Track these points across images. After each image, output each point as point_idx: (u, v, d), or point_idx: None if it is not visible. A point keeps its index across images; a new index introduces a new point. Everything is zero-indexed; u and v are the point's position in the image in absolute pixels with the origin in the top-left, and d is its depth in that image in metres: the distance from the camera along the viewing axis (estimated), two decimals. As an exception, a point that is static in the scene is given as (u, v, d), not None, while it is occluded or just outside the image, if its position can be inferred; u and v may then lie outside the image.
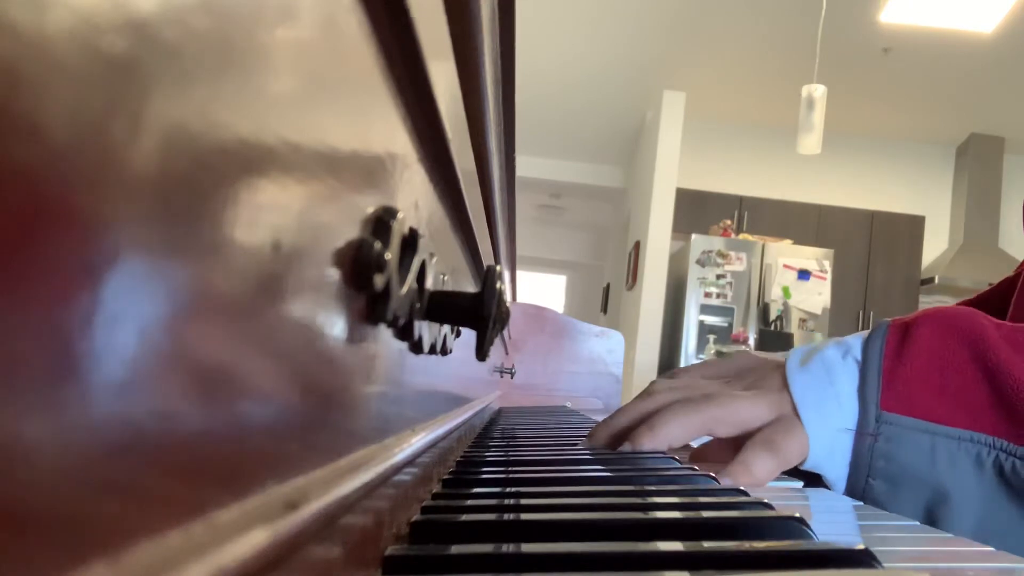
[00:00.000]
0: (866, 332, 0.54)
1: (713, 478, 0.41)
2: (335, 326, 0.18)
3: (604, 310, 6.90)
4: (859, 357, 0.52)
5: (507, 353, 1.54)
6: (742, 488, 0.37)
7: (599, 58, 4.66)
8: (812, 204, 5.34)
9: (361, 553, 0.21)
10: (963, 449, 0.48)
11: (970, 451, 0.48)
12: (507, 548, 0.25)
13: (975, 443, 0.48)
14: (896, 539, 0.34)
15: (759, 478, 0.48)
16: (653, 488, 0.37)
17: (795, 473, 0.54)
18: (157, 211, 0.10)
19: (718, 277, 4.71)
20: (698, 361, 4.89)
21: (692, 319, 4.70)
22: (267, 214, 0.13)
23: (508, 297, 0.53)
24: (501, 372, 1.35)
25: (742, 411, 0.52)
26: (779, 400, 0.52)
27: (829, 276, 4.73)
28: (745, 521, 0.28)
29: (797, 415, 0.51)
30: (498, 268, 0.32)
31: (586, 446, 0.56)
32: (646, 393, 0.58)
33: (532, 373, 1.75)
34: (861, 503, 0.44)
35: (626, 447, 0.52)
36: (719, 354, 3.81)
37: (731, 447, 0.52)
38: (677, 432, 0.52)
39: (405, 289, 0.23)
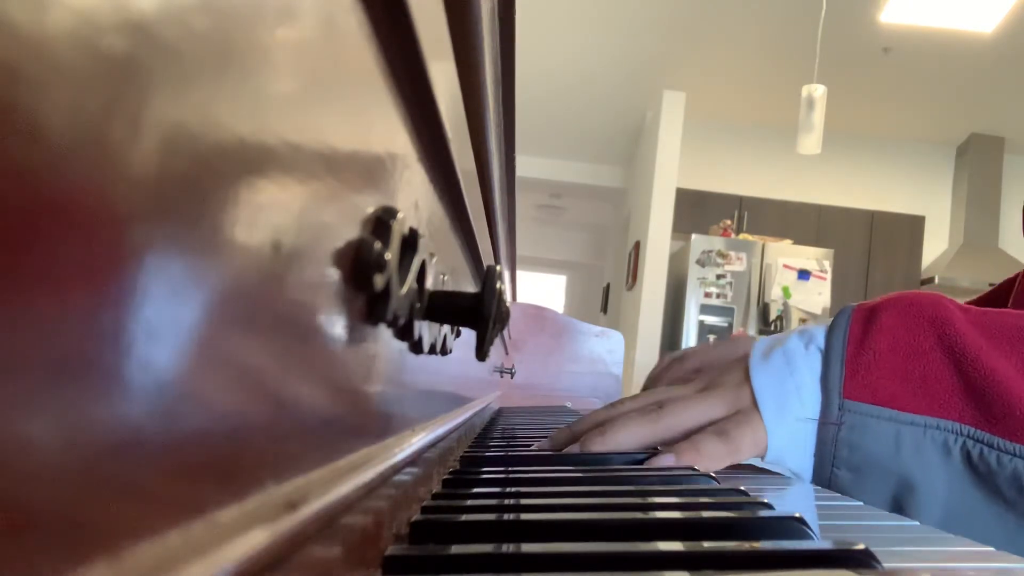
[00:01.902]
0: (829, 321, 0.53)
1: (713, 478, 0.41)
2: (335, 326, 0.18)
3: (604, 310, 6.90)
4: (822, 345, 0.51)
5: (507, 353, 1.54)
6: (742, 488, 0.37)
7: (599, 58, 4.66)
8: (812, 204, 5.34)
9: (361, 553, 0.21)
10: (929, 436, 0.47)
11: (936, 438, 0.47)
12: (507, 548, 0.25)
13: (942, 430, 0.47)
14: (896, 539, 0.34)
15: (707, 462, 0.48)
16: (653, 488, 0.37)
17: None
18: (157, 211, 0.10)
19: (718, 277, 4.71)
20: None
21: (692, 319, 4.70)
22: (267, 214, 0.13)
23: (508, 297, 0.53)
24: (501, 372, 1.35)
25: (695, 414, 0.51)
26: (736, 395, 0.51)
27: (829, 276, 4.73)
28: (745, 521, 0.28)
29: (756, 408, 0.50)
30: (498, 268, 0.32)
31: (545, 447, 0.55)
32: (612, 403, 0.58)
33: (532, 373, 1.75)
34: (860, 504, 0.44)
35: (574, 448, 0.52)
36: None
37: None
38: (626, 440, 0.51)
39: (405, 289, 0.23)
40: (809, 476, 0.51)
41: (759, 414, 0.50)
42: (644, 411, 0.52)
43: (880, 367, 0.49)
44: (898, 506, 0.48)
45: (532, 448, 0.56)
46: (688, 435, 0.50)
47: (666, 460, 0.47)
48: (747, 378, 0.52)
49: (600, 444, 0.51)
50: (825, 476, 0.50)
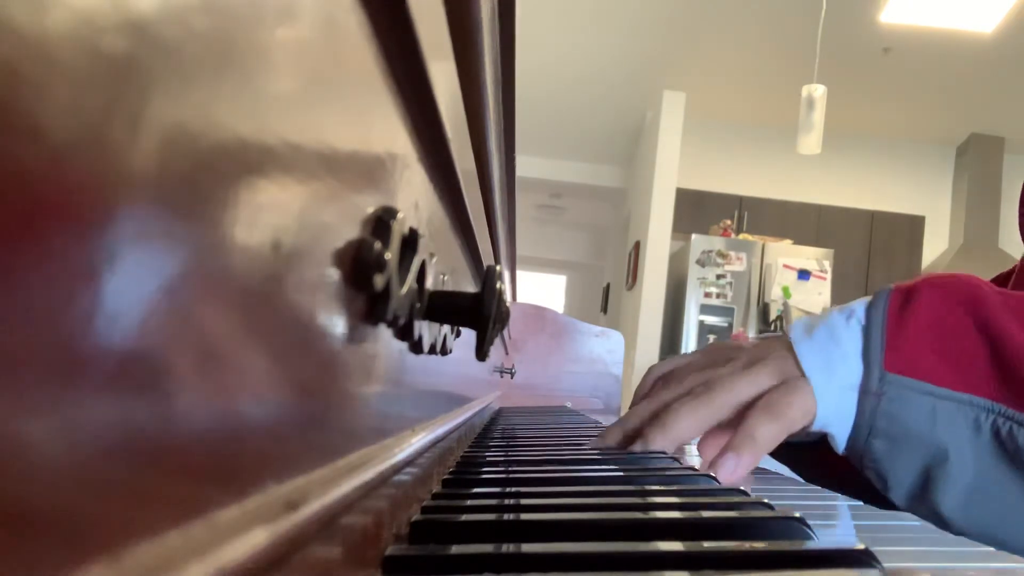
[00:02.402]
0: (869, 297, 0.54)
1: (713, 478, 0.41)
2: (335, 326, 0.18)
3: (604, 310, 6.90)
4: (863, 320, 0.52)
5: (507, 353, 1.54)
6: (742, 488, 0.37)
7: (599, 58, 4.66)
8: (812, 204, 5.34)
9: (361, 553, 0.21)
10: (962, 412, 0.48)
11: (968, 415, 0.48)
12: (507, 548, 0.25)
13: (974, 407, 0.48)
14: (896, 539, 0.34)
15: (764, 445, 0.48)
16: (653, 488, 0.37)
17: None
18: (157, 211, 0.10)
19: (718, 277, 4.71)
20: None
21: (692, 319, 4.70)
22: (267, 214, 0.13)
23: (508, 297, 0.53)
24: (501, 372, 1.35)
25: (745, 387, 0.52)
26: (782, 365, 0.52)
27: (829, 276, 4.73)
28: (745, 521, 0.28)
29: (804, 376, 0.51)
30: (498, 268, 0.32)
31: (595, 446, 0.56)
32: (648, 395, 0.57)
33: (532, 373, 1.75)
34: (861, 503, 0.44)
35: (637, 446, 0.52)
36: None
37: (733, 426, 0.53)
38: (687, 426, 0.51)
39: (405, 289, 0.23)
40: (843, 446, 0.52)
41: (807, 381, 0.50)
42: (694, 394, 0.52)
43: (919, 343, 0.50)
44: (927, 477, 0.49)
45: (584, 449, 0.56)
46: (741, 410, 0.51)
47: (727, 465, 0.47)
48: (790, 350, 0.52)
49: (662, 437, 0.51)
50: (860, 445, 0.51)
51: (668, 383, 0.57)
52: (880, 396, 0.50)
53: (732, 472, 0.47)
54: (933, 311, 0.51)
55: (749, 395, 0.51)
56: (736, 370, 0.53)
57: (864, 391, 0.50)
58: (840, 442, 0.52)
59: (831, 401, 0.50)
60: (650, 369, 0.64)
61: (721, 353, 0.58)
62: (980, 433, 0.48)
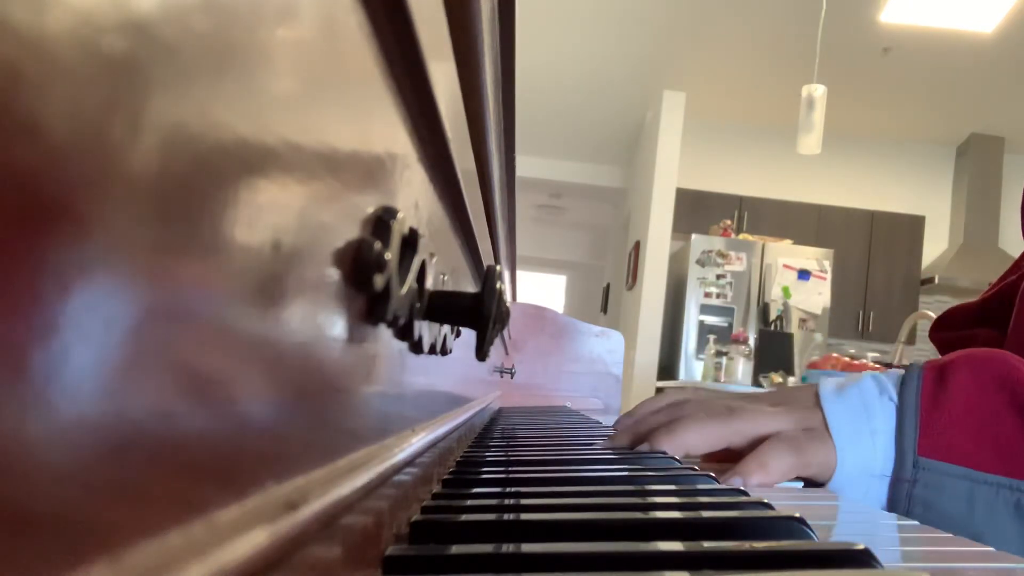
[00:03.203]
0: (898, 372, 0.53)
1: (713, 478, 0.41)
2: (335, 326, 0.18)
3: (604, 310, 6.90)
4: (895, 397, 0.51)
5: (507, 353, 1.54)
6: (742, 488, 0.37)
7: (599, 58, 4.66)
8: (812, 204, 5.34)
9: (361, 553, 0.21)
10: (1001, 496, 0.47)
11: (1009, 499, 0.47)
12: (507, 548, 0.25)
13: (1014, 490, 0.47)
14: (896, 539, 0.34)
15: (773, 476, 0.48)
16: (653, 488, 0.37)
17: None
18: (157, 211, 0.10)
19: (718, 277, 4.71)
20: (698, 361, 4.83)
21: (692, 319, 4.70)
22: (267, 214, 0.13)
23: (508, 297, 0.53)
24: (501, 372, 1.35)
25: (766, 422, 0.51)
26: (808, 415, 0.52)
27: (829, 276, 4.73)
28: (745, 521, 0.28)
29: (829, 432, 0.50)
30: (498, 268, 0.32)
31: (608, 446, 0.56)
32: (672, 403, 0.58)
33: (532, 373, 1.75)
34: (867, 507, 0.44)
35: (644, 447, 0.52)
36: (719, 354, 3.81)
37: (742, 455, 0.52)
38: (695, 439, 0.52)
39: (405, 289, 0.23)
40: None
41: (831, 438, 0.50)
42: (712, 412, 0.53)
43: (954, 426, 0.49)
44: None
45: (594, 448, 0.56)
46: (755, 443, 0.50)
47: (734, 482, 0.47)
48: (818, 405, 0.52)
49: (668, 442, 0.51)
50: None
51: (689, 398, 0.57)
52: (914, 483, 0.49)
53: None
54: (967, 392, 0.50)
55: (767, 430, 0.51)
56: (760, 406, 0.53)
57: (897, 479, 0.49)
58: None
59: (853, 464, 0.49)
60: (668, 392, 0.65)
61: (745, 397, 0.59)
62: (1022, 516, 0.47)
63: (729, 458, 0.55)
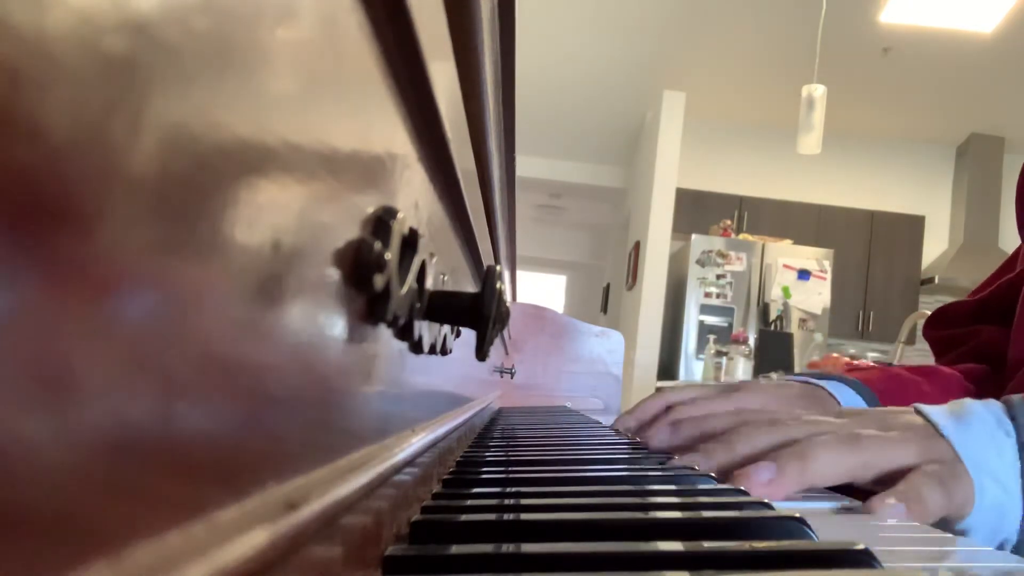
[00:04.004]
0: (998, 403, 0.48)
1: (713, 478, 0.41)
2: (335, 326, 0.18)
3: (604, 310, 6.90)
4: (1013, 433, 0.47)
5: (507, 353, 1.54)
6: (742, 488, 0.37)
7: (599, 58, 4.66)
8: (812, 204, 5.34)
9: (361, 553, 0.21)
10: None
11: None
12: (507, 548, 0.25)
13: None
14: (896, 539, 0.34)
15: (928, 514, 0.42)
16: (653, 488, 0.37)
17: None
18: (157, 211, 0.10)
19: (718, 277, 4.71)
20: (698, 361, 4.80)
21: (692, 319, 4.70)
22: (267, 214, 0.13)
23: (508, 297, 0.53)
24: (501, 372, 1.35)
25: (896, 456, 0.45)
26: (932, 446, 0.46)
27: (829, 276, 4.73)
28: (745, 521, 0.28)
29: (963, 466, 0.45)
30: (498, 268, 0.32)
31: (697, 462, 0.48)
32: (771, 424, 0.49)
33: (532, 373, 1.75)
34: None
35: (761, 475, 0.44)
36: (719, 354, 3.80)
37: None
38: (829, 470, 0.44)
39: (405, 289, 0.23)
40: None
41: (968, 473, 0.45)
42: (841, 438, 0.46)
43: None
44: None
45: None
46: (882, 477, 0.45)
47: (896, 510, 0.42)
48: (939, 432, 0.46)
49: (800, 471, 0.44)
50: None
51: (786, 419, 0.49)
52: None
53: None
54: None
55: (897, 464, 0.45)
56: (882, 434, 0.47)
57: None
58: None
59: (988, 504, 0.45)
60: (677, 390, 0.59)
61: (845, 416, 0.51)
62: None
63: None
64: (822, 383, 0.63)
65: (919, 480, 0.43)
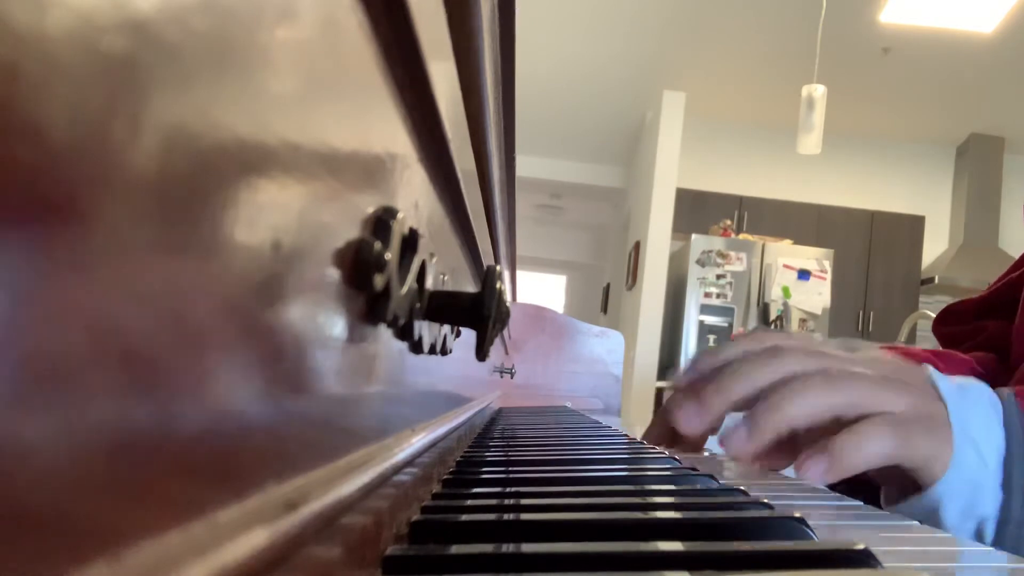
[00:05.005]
0: (992, 393, 0.47)
1: (712, 478, 0.41)
2: (335, 326, 0.18)
3: (604, 310, 6.90)
4: (999, 409, 0.46)
5: (507, 353, 1.54)
6: (742, 488, 0.37)
7: (599, 58, 4.66)
8: (812, 204, 5.34)
9: (361, 553, 0.21)
10: None
11: None
12: (507, 548, 0.25)
13: None
14: (896, 539, 0.34)
15: (865, 460, 0.42)
16: (653, 488, 0.37)
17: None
18: (157, 211, 0.10)
19: (718, 277, 4.71)
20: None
21: (692, 319, 4.70)
22: (267, 214, 0.13)
23: (508, 297, 0.52)
24: (501, 372, 1.35)
25: (885, 401, 0.44)
26: (927, 403, 0.45)
27: (829, 276, 4.73)
28: (745, 521, 0.28)
29: (948, 428, 0.44)
30: (498, 268, 0.32)
31: (669, 407, 0.47)
32: (769, 351, 0.47)
33: (532, 373, 1.75)
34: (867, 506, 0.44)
35: (739, 438, 0.43)
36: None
37: (787, 448, 0.46)
38: (799, 409, 0.43)
39: (405, 289, 0.23)
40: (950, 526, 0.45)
41: (951, 435, 0.44)
42: (830, 376, 0.44)
43: None
44: None
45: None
46: (861, 417, 0.44)
47: (815, 469, 0.41)
48: (940, 398, 0.45)
49: (771, 416, 0.43)
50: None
51: (789, 345, 0.47)
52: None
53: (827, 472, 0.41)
54: None
55: (883, 408, 0.44)
56: (872, 374, 0.45)
57: (1004, 518, 0.44)
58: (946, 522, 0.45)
59: (957, 484, 0.43)
60: (712, 351, 0.57)
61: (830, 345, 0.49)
62: None
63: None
64: None
65: (867, 425, 0.42)
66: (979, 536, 0.45)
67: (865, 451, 0.42)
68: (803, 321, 4.68)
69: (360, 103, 0.20)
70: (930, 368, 0.48)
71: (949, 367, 0.69)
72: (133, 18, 0.09)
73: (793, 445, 0.47)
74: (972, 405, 0.45)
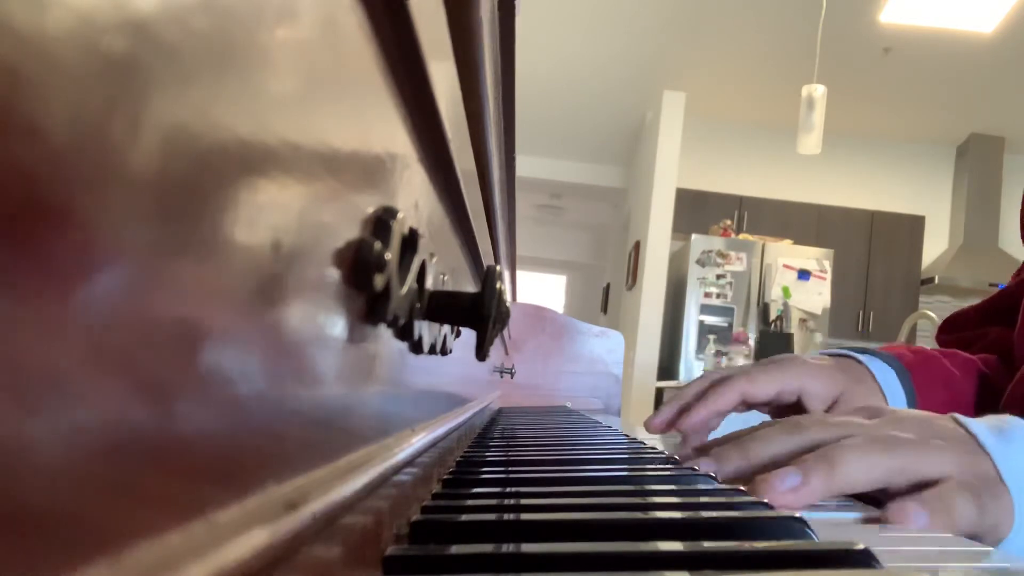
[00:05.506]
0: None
1: (712, 478, 0.41)
2: (335, 326, 0.18)
3: (604, 310, 6.90)
4: None
5: (507, 353, 1.54)
6: (742, 488, 0.37)
7: (599, 58, 4.66)
8: (812, 204, 5.34)
9: (361, 553, 0.21)
10: None
11: None
12: (507, 548, 0.25)
13: None
14: (896, 539, 0.34)
15: (959, 527, 0.39)
16: (653, 488, 0.37)
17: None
18: (157, 211, 0.10)
19: (718, 277, 4.71)
20: (699, 361, 4.76)
21: (692, 319, 4.70)
22: (267, 214, 0.13)
23: (508, 297, 0.52)
24: (501, 372, 1.35)
25: (932, 465, 0.42)
26: (972, 457, 0.43)
27: (829, 276, 4.73)
28: (745, 521, 0.28)
29: (1004, 485, 0.42)
30: (498, 268, 0.32)
31: (710, 469, 0.45)
32: (791, 427, 0.46)
33: (532, 373, 1.75)
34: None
35: (784, 482, 0.40)
36: (719, 354, 3.79)
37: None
38: (861, 475, 0.41)
39: (405, 289, 0.23)
40: None
41: (1009, 494, 0.42)
42: (874, 440, 0.43)
43: None
44: None
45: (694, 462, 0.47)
46: (918, 487, 0.42)
47: (919, 518, 0.39)
48: (981, 448, 0.44)
49: (827, 477, 0.41)
50: None
51: (812, 422, 0.46)
52: None
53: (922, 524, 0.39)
54: None
55: (934, 473, 0.42)
56: (918, 439, 0.44)
57: None
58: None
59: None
60: (706, 376, 0.58)
61: (854, 412, 0.48)
62: None
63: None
64: (856, 355, 0.64)
65: (951, 490, 0.40)
66: None
67: (956, 518, 0.40)
68: (803, 321, 4.68)
69: (360, 103, 0.20)
70: (957, 416, 0.46)
71: (958, 367, 0.69)
72: (133, 18, 0.09)
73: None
74: (1019, 450, 0.44)
